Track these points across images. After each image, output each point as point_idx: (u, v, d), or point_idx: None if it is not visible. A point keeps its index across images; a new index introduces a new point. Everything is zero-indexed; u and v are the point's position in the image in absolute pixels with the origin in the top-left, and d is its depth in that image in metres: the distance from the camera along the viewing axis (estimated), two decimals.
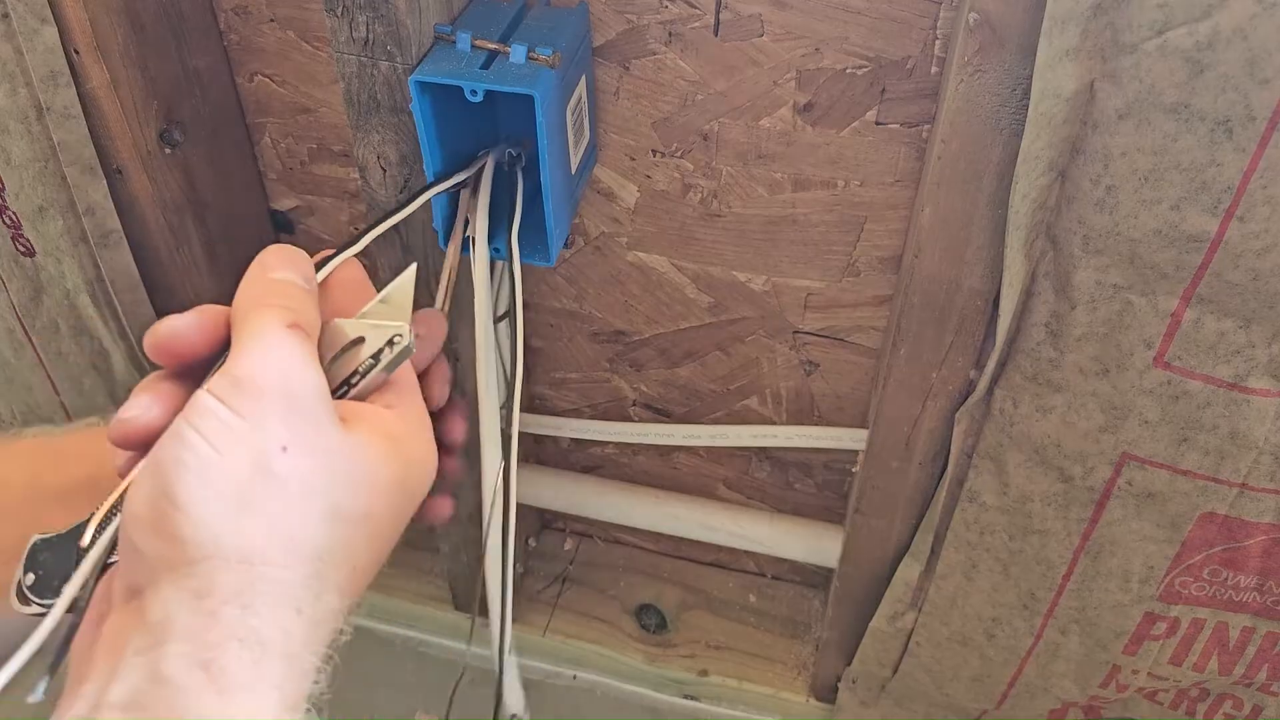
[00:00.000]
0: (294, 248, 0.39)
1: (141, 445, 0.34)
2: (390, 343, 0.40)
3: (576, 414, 0.83)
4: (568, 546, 0.98)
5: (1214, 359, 0.52)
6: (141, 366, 0.72)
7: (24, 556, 0.38)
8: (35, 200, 0.63)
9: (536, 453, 0.90)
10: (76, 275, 0.67)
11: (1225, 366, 0.52)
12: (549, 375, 0.81)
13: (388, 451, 0.35)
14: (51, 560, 0.39)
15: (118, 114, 0.61)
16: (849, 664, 0.81)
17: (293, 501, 0.32)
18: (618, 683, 0.92)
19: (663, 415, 0.81)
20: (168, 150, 0.65)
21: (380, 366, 0.39)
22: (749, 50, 0.57)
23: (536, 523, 0.98)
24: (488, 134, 0.59)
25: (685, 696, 0.90)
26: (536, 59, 0.51)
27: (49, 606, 0.36)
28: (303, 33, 0.64)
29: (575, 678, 0.93)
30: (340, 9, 0.51)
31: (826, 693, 0.86)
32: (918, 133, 0.57)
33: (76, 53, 0.58)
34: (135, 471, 0.34)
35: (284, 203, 0.75)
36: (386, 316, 0.41)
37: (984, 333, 0.57)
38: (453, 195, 0.55)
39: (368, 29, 0.51)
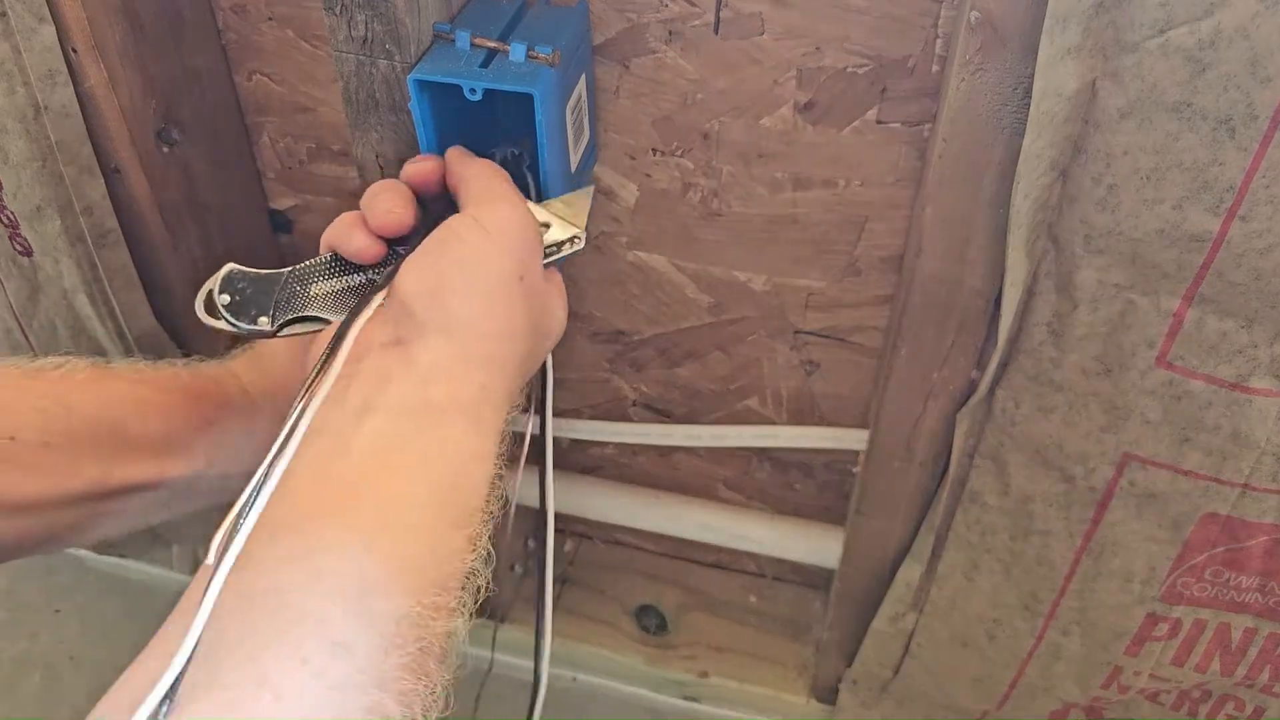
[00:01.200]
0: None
1: (395, 232, 0.47)
2: (572, 240, 0.50)
3: (576, 414, 0.83)
4: (567, 547, 0.98)
5: (1216, 359, 0.51)
6: None
7: (220, 278, 0.46)
8: (33, 199, 0.63)
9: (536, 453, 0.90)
10: (74, 275, 0.66)
11: (1227, 366, 0.52)
12: None
13: (563, 305, 0.51)
14: (250, 291, 0.46)
15: (116, 113, 0.60)
16: (850, 665, 0.81)
17: (518, 314, 0.45)
18: (618, 684, 0.91)
19: (663, 415, 0.81)
20: (166, 149, 0.64)
21: (559, 256, 0.50)
22: (749, 49, 0.57)
23: (536, 523, 0.98)
24: (487, 133, 0.58)
25: (685, 698, 0.90)
26: (536, 57, 0.50)
27: (241, 327, 0.45)
28: (301, 31, 0.64)
29: (575, 679, 0.93)
30: (339, 7, 0.51)
31: (827, 694, 0.86)
32: (919, 132, 0.57)
33: (74, 51, 0.57)
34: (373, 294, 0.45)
35: (282, 202, 0.75)
36: (566, 215, 0.51)
37: (985, 333, 0.57)
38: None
39: (366, 27, 0.51)
